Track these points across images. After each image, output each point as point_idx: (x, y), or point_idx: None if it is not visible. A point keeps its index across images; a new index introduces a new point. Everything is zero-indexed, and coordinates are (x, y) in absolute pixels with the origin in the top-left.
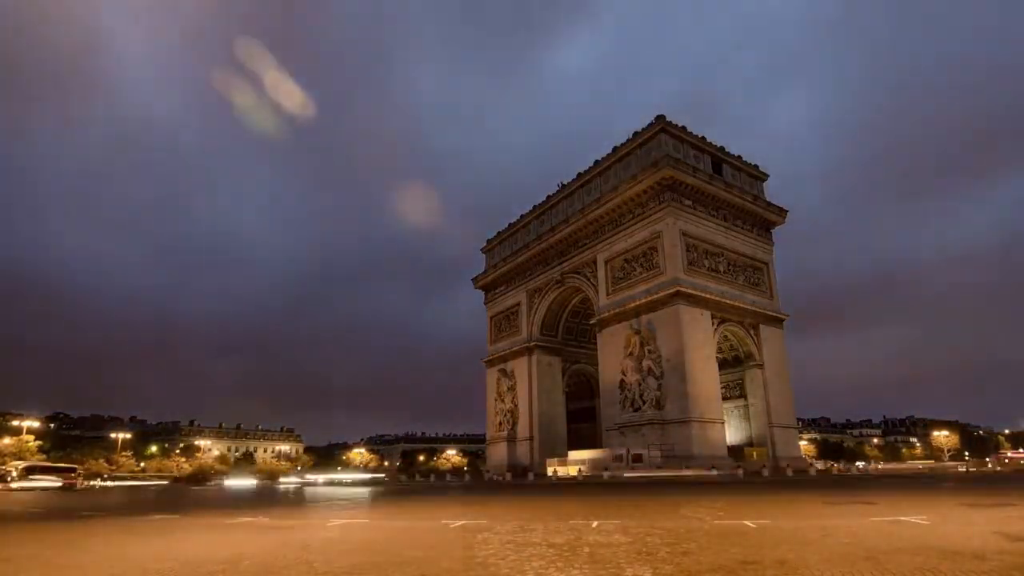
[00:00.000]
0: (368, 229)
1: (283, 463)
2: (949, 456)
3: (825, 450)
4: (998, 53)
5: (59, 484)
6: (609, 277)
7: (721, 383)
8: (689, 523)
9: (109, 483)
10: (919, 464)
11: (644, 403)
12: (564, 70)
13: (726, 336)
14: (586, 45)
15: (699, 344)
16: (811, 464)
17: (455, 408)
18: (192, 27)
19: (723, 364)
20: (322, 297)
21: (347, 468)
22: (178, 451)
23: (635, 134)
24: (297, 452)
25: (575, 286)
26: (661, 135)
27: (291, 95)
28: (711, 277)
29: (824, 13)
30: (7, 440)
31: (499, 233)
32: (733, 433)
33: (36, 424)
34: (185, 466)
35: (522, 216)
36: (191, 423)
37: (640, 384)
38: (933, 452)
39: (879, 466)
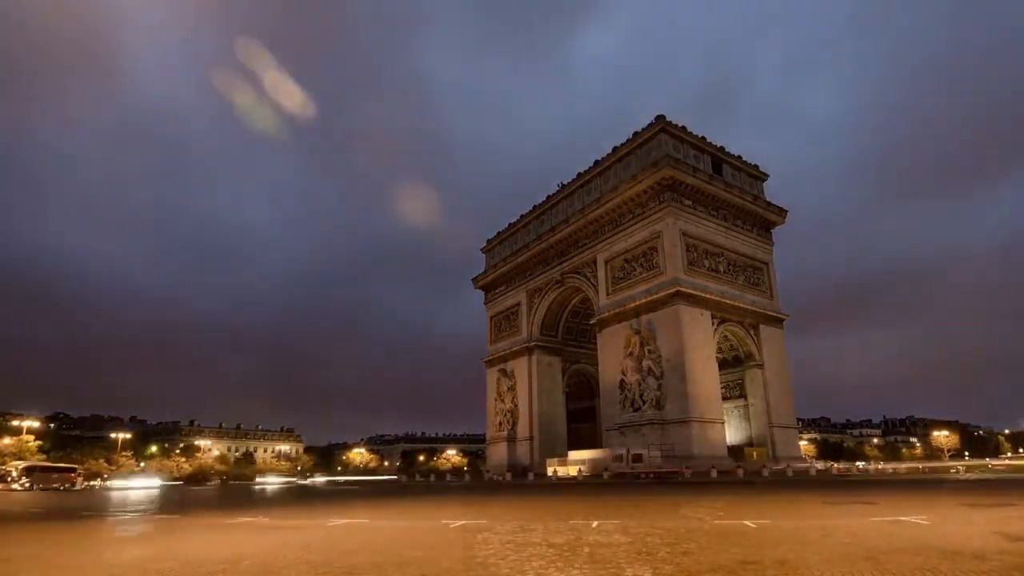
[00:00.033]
0: (369, 228)
1: (282, 463)
2: (949, 456)
3: (825, 450)
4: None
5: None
6: (609, 277)
7: (721, 383)
8: (689, 523)
9: (110, 483)
10: (920, 465)
11: (644, 403)
12: (590, 57)
13: (726, 336)
14: (610, 32)
15: (699, 344)
16: (811, 464)
17: (455, 408)
18: (197, 23)
19: (723, 364)
20: (323, 297)
21: (347, 470)
22: (178, 451)
23: (635, 134)
24: (297, 452)
25: (575, 286)
26: (661, 135)
27: (292, 95)
28: (711, 277)
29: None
30: (7, 440)
31: (499, 233)
32: (733, 433)
33: (36, 424)
34: (185, 466)
35: (522, 216)
36: (191, 423)
37: (640, 384)
38: (933, 452)
39: (879, 466)
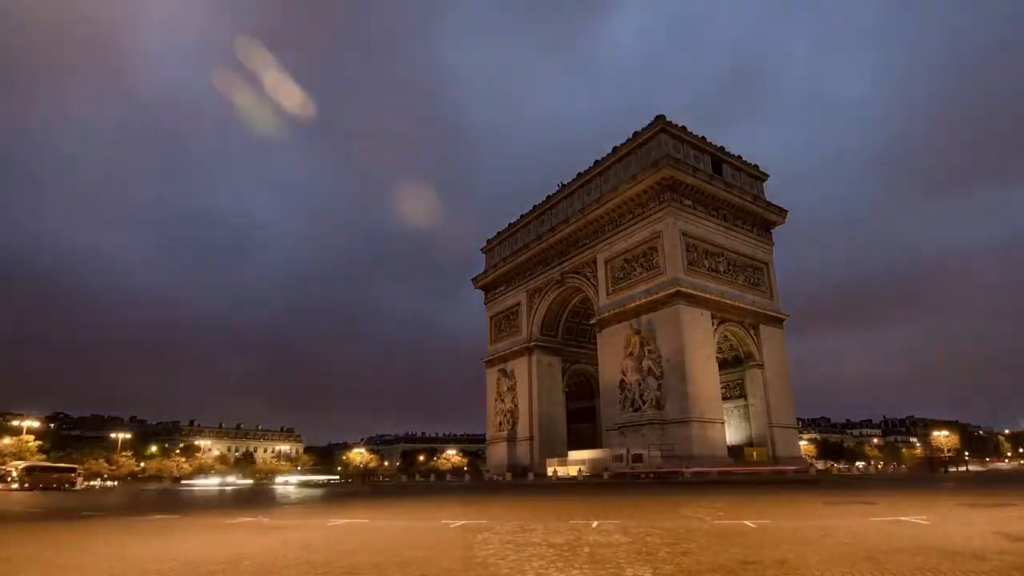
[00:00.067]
0: (369, 228)
1: (282, 463)
2: (949, 456)
3: (825, 450)
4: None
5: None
6: (609, 277)
7: (721, 383)
8: (689, 523)
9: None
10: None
11: (644, 403)
12: (615, 44)
13: (726, 336)
14: (636, 18)
15: (699, 344)
16: (811, 464)
17: (455, 408)
18: (198, 21)
19: (723, 364)
20: (323, 297)
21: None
22: (178, 451)
23: (635, 134)
24: (297, 452)
25: (575, 286)
26: (661, 135)
27: (292, 94)
28: (711, 277)
29: None
30: (7, 440)
31: (499, 233)
32: (733, 433)
33: (36, 424)
34: (185, 466)
35: (522, 216)
36: (191, 423)
37: (640, 384)
38: (933, 452)
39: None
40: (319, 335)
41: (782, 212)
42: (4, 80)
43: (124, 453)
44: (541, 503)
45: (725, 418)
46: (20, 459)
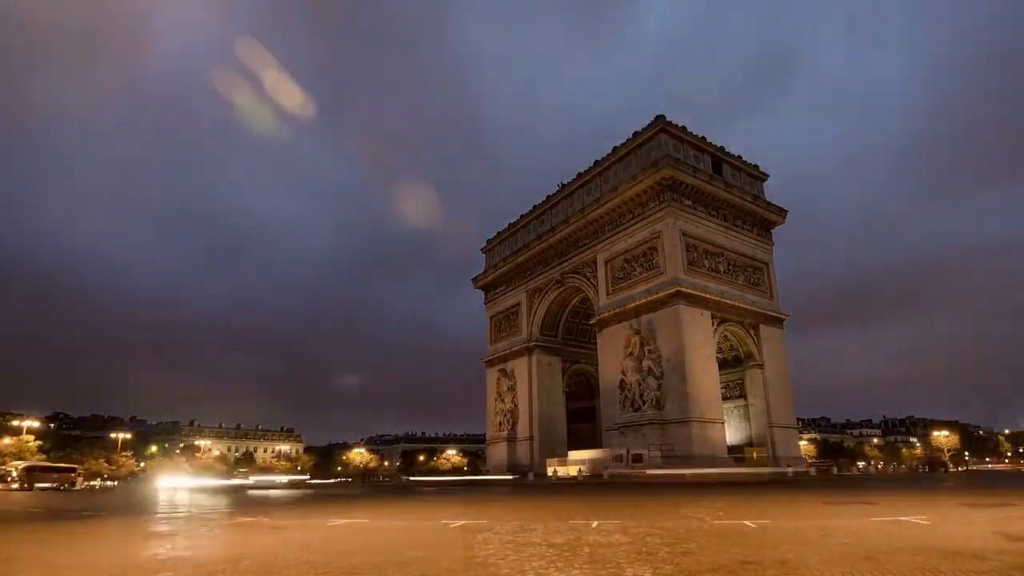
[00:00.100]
0: (369, 228)
1: (282, 462)
2: (949, 456)
3: (825, 450)
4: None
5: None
6: (609, 277)
7: (721, 383)
8: (689, 523)
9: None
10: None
11: (644, 403)
12: (643, 33)
13: (726, 336)
14: (665, 8)
15: (699, 344)
16: (811, 464)
17: (455, 408)
18: (198, 20)
19: (723, 364)
20: (323, 297)
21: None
22: (178, 451)
23: (635, 134)
24: (297, 452)
25: (575, 286)
26: (661, 135)
27: (293, 94)
28: (711, 277)
29: None
30: (7, 440)
31: (499, 233)
32: (733, 433)
33: (36, 424)
34: (185, 466)
35: (522, 216)
36: (191, 423)
37: (640, 384)
38: (933, 452)
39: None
40: (319, 335)
41: (782, 212)
42: (4, 80)
43: (124, 453)
44: (541, 503)
45: (725, 418)
46: (20, 459)
